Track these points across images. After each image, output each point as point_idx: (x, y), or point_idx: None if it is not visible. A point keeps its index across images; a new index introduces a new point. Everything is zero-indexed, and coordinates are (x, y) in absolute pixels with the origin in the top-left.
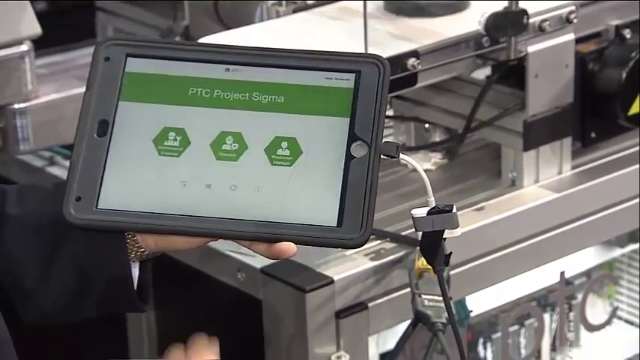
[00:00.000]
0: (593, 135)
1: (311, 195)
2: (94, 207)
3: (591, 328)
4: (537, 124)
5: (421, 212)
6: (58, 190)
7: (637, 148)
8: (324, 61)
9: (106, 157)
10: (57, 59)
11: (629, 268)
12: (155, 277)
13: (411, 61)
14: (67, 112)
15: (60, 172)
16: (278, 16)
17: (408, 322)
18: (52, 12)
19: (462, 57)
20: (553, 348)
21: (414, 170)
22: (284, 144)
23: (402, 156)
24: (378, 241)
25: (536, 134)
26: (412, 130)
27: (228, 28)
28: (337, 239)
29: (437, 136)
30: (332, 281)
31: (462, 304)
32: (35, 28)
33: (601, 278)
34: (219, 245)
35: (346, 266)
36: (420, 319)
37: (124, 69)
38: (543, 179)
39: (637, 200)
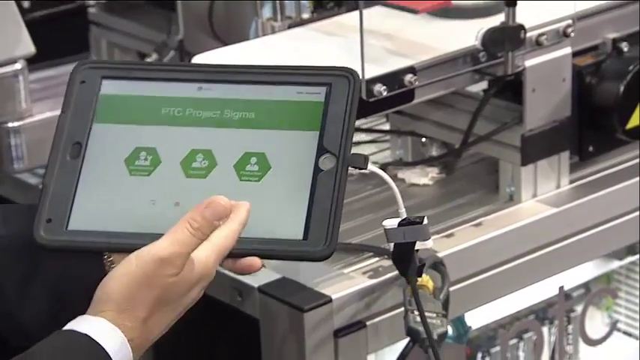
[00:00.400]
0: (590, 149)
1: (278, 209)
2: (65, 228)
3: (591, 343)
4: (535, 138)
5: (392, 223)
6: (30, 211)
7: (636, 161)
8: (295, 76)
9: (78, 179)
10: (50, 74)
11: (628, 280)
12: None
13: (408, 77)
14: None
15: None
16: (273, 31)
17: (407, 339)
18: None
19: (460, 72)
20: None
21: (413, 185)
22: (253, 159)
23: (370, 167)
24: (376, 259)
25: (534, 148)
26: (409, 145)
27: (223, 42)
28: (302, 252)
29: (434, 151)
30: (330, 300)
31: (460, 320)
32: (29, 48)
33: (600, 292)
34: None
35: (344, 284)
36: (411, 335)
37: (98, 91)
38: (541, 194)
39: (637, 213)
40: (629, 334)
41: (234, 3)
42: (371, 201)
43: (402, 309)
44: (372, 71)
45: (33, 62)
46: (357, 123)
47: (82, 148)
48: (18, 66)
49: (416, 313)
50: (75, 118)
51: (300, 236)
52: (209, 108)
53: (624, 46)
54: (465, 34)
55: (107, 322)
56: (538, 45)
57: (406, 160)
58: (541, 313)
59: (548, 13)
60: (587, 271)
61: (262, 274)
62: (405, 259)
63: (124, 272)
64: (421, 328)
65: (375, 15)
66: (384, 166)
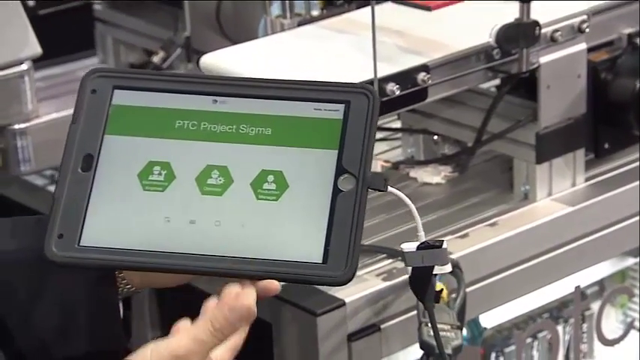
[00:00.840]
0: (606, 146)
1: (296, 231)
2: (77, 244)
3: (607, 343)
4: (550, 136)
5: (411, 247)
6: (39, 225)
7: None
8: (313, 92)
9: (90, 193)
10: (55, 72)
11: None
12: (159, 298)
13: (421, 75)
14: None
15: None
16: (282, 28)
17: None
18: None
19: (473, 70)
20: None
21: (425, 184)
22: (270, 177)
23: (390, 189)
24: (390, 260)
25: (549, 146)
26: (421, 143)
27: (231, 40)
28: (322, 276)
29: (446, 149)
30: (343, 304)
31: (475, 321)
32: (35, 49)
33: (617, 292)
34: None
35: (358, 287)
36: (425, 350)
37: (110, 102)
38: (557, 192)
39: None
40: None
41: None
42: (384, 201)
43: (416, 312)
44: (384, 70)
45: (37, 60)
46: None
47: (94, 161)
48: (24, 67)
49: (430, 325)
50: (86, 128)
51: (320, 259)
52: (224, 122)
53: (639, 41)
54: (478, 31)
55: None
56: (553, 41)
57: (418, 158)
58: (555, 312)
59: (562, 9)
60: (601, 269)
61: None
62: (423, 283)
63: None
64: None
65: (386, 12)
66: (395, 165)
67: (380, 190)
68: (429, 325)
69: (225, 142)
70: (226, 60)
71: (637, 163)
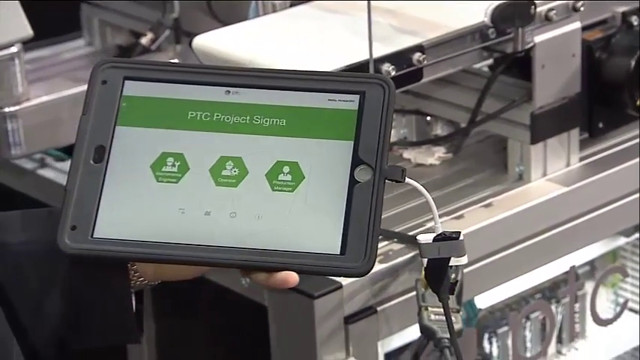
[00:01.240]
0: (600, 125)
1: (313, 222)
2: (90, 236)
3: (601, 323)
4: (545, 115)
5: (427, 238)
6: (51, 217)
7: None
8: (327, 82)
9: (102, 184)
10: (43, 54)
11: (634, 256)
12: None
13: (417, 55)
14: (59, 115)
15: (51, 174)
16: (274, 9)
17: (418, 328)
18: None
19: (468, 50)
20: (559, 340)
21: (419, 165)
22: (286, 169)
23: (407, 180)
24: (386, 242)
25: (544, 126)
26: (413, 123)
27: (221, 20)
28: (340, 268)
29: (439, 129)
30: (340, 286)
31: (470, 303)
32: (26, 30)
33: (611, 272)
34: None
35: None
36: (425, 334)
37: (121, 92)
38: (551, 172)
39: None
40: (635, 311)
41: None
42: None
43: (414, 293)
44: (379, 50)
45: (24, 42)
46: None
47: (106, 152)
48: (14, 49)
49: (430, 309)
50: (97, 120)
51: (338, 251)
52: (238, 113)
53: (634, 20)
54: (473, 11)
55: None
56: (547, 20)
57: (410, 139)
58: (547, 292)
59: None
60: (592, 248)
61: None
62: (439, 275)
63: None
64: (436, 327)
65: None
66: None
67: (397, 182)
68: (429, 309)
69: (239, 133)
70: (220, 41)
71: (631, 142)
